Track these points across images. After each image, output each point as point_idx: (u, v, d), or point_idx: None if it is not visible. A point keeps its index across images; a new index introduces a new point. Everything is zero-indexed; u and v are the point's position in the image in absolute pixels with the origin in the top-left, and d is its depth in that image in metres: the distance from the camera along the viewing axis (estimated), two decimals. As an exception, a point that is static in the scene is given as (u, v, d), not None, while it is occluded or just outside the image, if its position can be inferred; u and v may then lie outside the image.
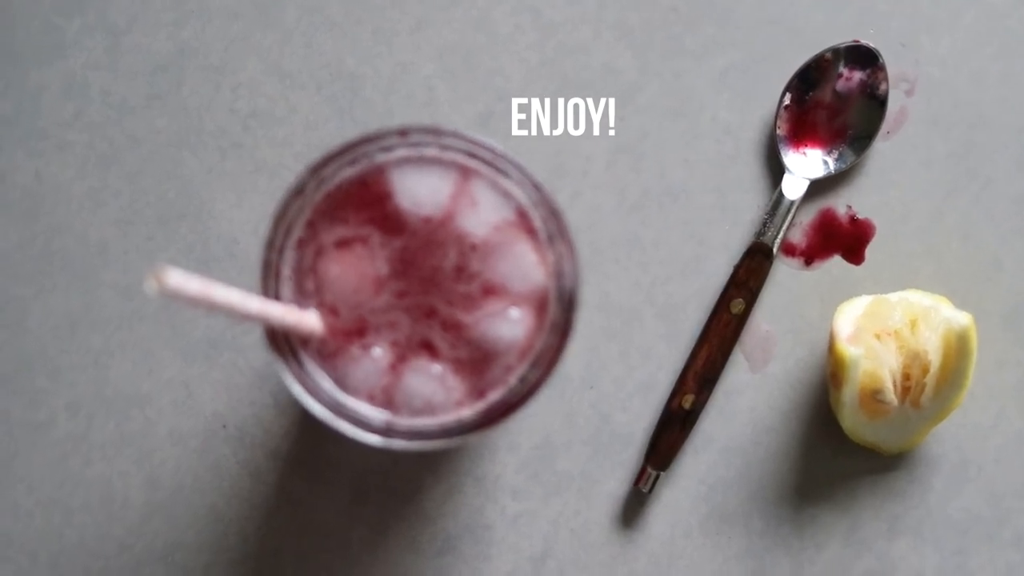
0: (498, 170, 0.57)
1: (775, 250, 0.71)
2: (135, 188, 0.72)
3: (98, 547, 0.70)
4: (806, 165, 0.72)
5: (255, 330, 0.71)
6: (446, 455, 0.71)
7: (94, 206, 0.72)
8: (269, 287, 0.56)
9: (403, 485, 0.70)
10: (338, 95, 0.73)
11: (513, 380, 0.56)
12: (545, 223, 0.57)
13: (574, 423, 0.71)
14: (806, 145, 0.72)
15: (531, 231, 0.57)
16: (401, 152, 0.57)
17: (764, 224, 0.71)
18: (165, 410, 0.71)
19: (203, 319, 0.71)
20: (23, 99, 0.72)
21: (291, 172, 0.71)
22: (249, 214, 0.72)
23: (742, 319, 0.70)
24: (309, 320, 0.55)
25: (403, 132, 0.56)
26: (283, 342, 0.55)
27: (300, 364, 0.56)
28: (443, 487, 0.70)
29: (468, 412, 0.56)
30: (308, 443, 0.70)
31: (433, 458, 0.70)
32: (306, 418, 0.70)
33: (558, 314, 0.57)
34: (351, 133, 0.65)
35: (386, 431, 0.55)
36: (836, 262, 0.72)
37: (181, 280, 0.46)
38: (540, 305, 0.56)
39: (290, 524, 0.70)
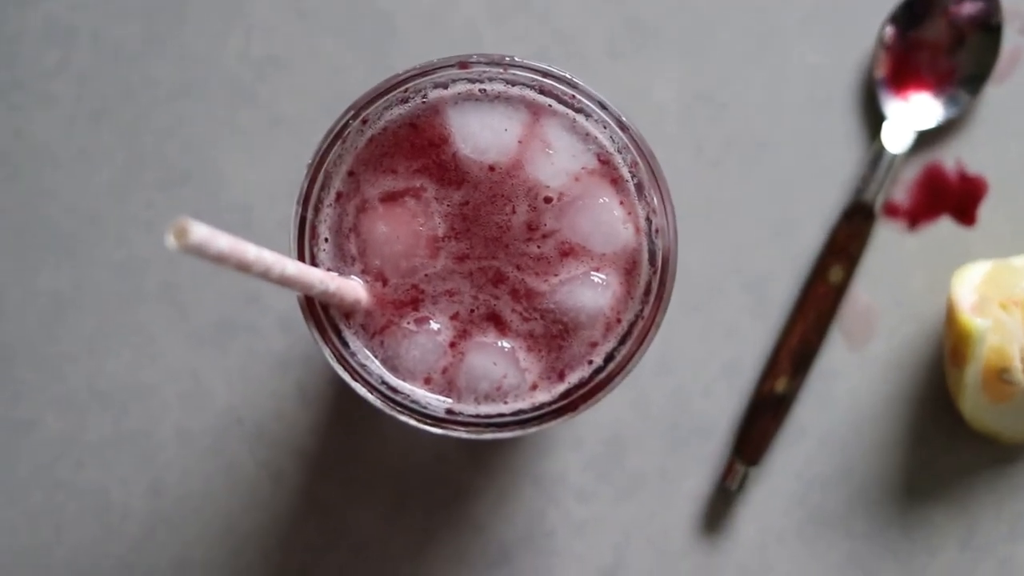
0: (576, 108, 0.54)
1: (876, 210, 0.68)
2: (131, 148, 0.70)
3: (93, 566, 0.68)
4: (909, 113, 0.69)
5: (273, 310, 0.69)
6: (499, 452, 0.69)
7: (84, 169, 0.70)
8: (304, 250, 0.54)
9: (450, 488, 0.69)
10: (367, 37, 0.70)
11: (598, 358, 0.54)
12: (633, 170, 0.54)
13: (648, 413, 0.69)
14: (910, 89, 0.69)
15: (616, 180, 0.54)
16: (460, 88, 0.54)
17: (864, 181, 0.68)
18: (170, 404, 0.69)
19: (213, 298, 0.69)
20: None
21: (314, 127, 0.68)
22: (265, 177, 0.70)
23: (841, 289, 0.68)
24: (353, 289, 0.53)
25: (464, 63, 0.54)
26: (322, 316, 0.53)
27: (343, 342, 0.53)
28: (496, 489, 0.68)
29: (544, 396, 0.54)
30: (339, 440, 0.68)
31: (485, 455, 0.69)
32: (336, 411, 0.69)
33: (651, 278, 0.54)
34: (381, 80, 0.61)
35: (447, 420, 0.53)
36: (944, 224, 0.70)
37: (207, 235, 0.43)
38: (628, 268, 0.54)
39: (318, 536, 0.68)
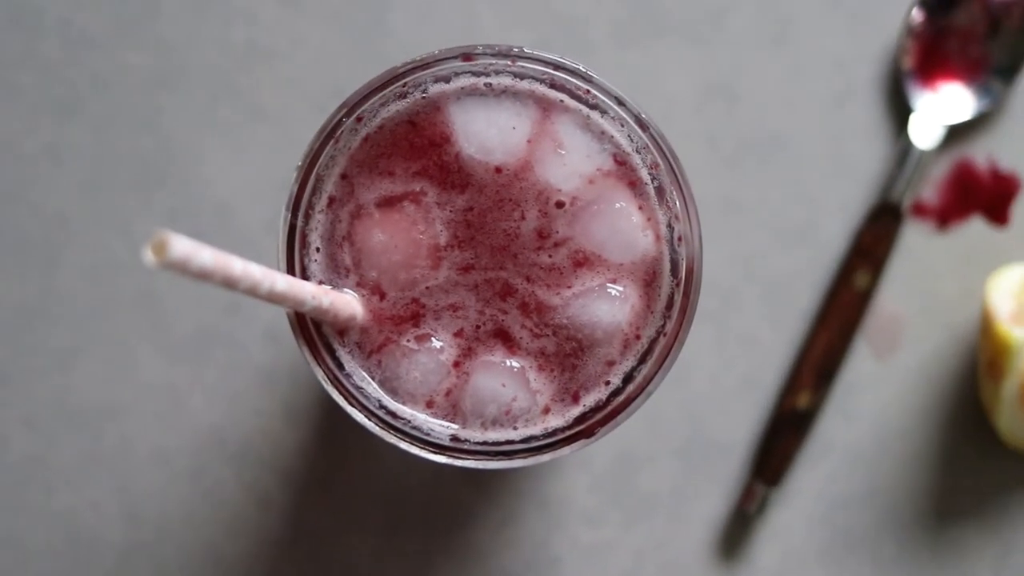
0: (590, 104, 0.53)
1: (903, 210, 0.68)
2: (102, 143, 0.70)
3: (63, 598, 0.67)
4: (939, 105, 0.69)
5: (258, 320, 0.69)
6: (502, 473, 0.68)
7: (50, 167, 0.70)
8: (293, 260, 0.53)
9: (449, 513, 0.69)
10: (357, 24, 0.70)
11: (615, 378, 0.53)
12: (653, 172, 0.53)
13: (659, 430, 0.69)
14: (939, 80, 0.69)
15: (634, 183, 0.53)
16: (464, 81, 0.53)
17: (890, 179, 0.68)
18: (147, 424, 0.69)
19: (192, 308, 0.69)
20: (-41, 30, 0.70)
21: (300, 121, 0.69)
22: (247, 174, 0.70)
23: (866, 296, 0.68)
24: (347, 304, 0.52)
25: (468, 55, 0.53)
26: (314, 334, 0.53)
27: (338, 362, 0.53)
28: (498, 514, 0.68)
29: (557, 421, 0.53)
30: (330, 461, 0.69)
31: (486, 477, 0.68)
32: (327, 429, 0.69)
33: (673, 291, 0.53)
34: (373, 71, 0.62)
35: (452, 448, 0.53)
36: (976, 224, 0.70)
37: (189, 250, 0.42)
38: (648, 279, 0.53)
39: (308, 564, 0.68)
